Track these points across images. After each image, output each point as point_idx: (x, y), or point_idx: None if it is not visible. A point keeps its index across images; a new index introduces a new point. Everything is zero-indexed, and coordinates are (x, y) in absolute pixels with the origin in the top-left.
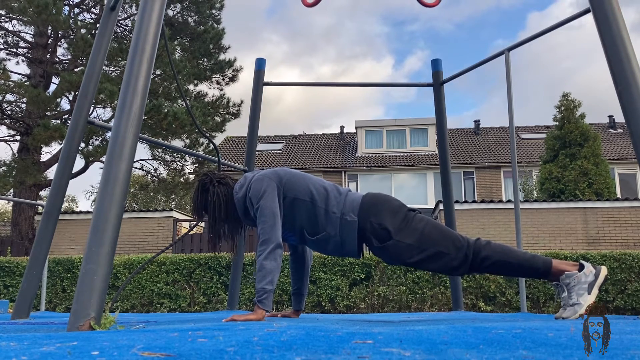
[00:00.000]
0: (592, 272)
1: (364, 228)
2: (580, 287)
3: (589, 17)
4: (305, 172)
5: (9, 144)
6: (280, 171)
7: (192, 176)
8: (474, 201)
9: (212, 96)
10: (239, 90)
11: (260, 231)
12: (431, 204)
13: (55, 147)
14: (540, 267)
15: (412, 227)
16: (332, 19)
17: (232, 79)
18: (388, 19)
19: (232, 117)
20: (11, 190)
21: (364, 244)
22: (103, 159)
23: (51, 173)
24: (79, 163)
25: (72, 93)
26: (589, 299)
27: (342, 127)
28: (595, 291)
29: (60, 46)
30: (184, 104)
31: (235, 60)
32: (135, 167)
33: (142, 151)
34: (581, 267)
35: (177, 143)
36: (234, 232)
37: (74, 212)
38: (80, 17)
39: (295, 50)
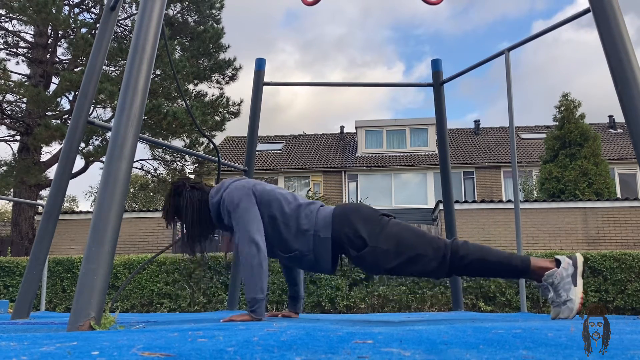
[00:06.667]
0: (569, 264)
1: (341, 240)
2: (564, 282)
3: (590, 34)
4: (276, 187)
5: (9, 144)
6: (256, 183)
7: (192, 176)
8: (474, 201)
9: (212, 95)
10: (240, 90)
11: (242, 236)
12: (431, 204)
13: (55, 147)
14: (519, 264)
15: (386, 232)
16: (344, 29)
17: (232, 78)
18: (398, 29)
19: (232, 116)
20: (11, 190)
21: (342, 256)
22: (103, 159)
23: (51, 173)
24: (79, 163)
25: (72, 93)
26: (577, 291)
27: (342, 127)
28: (580, 281)
29: (60, 46)
30: (184, 104)
31: (235, 59)
32: (135, 167)
33: (142, 151)
34: (558, 263)
35: (177, 143)
36: (207, 236)
37: (74, 212)
38: (80, 17)
39: (307, 59)
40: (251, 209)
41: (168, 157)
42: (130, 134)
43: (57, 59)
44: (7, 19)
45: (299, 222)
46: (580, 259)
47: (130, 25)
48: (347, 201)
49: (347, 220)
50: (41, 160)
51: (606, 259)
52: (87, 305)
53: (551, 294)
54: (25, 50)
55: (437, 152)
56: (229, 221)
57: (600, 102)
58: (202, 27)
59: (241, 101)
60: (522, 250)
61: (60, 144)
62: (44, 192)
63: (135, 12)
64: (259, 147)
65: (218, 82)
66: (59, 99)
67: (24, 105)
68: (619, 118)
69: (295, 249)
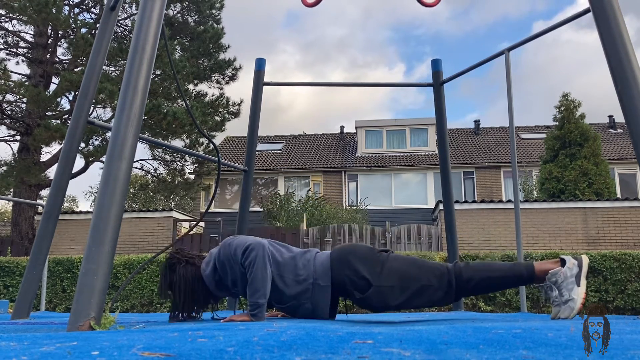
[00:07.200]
0: (574, 264)
1: (343, 283)
2: (568, 282)
3: (589, 35)
4: (266, 239)
5: (9, 144)
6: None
7: (192, 176)
8: (474, 201)
9: (212, 95)
10: (240, 90)
11: (251, 245)
12: (431, 204)
13: (55, 147)
14: (524, 272)
15: (387, 268)
16: (345, 29)
17: (232, 78)
18: (399, 30)
19: (232, 116)
20: (11, 190)
21: (343, 300)
22: (103, 159)
23: (51, 173)
24: (79, 163)
25: (72, 93)
26: (580, 292)
27: (342, 127)
28: (583, 282)
29: (60, 46)
30: (184, 104)
31: (235, 59)
32: (135, 167)
33: (142, 151)
34: (563, 263)
35: (177, 143)
36: (201, 308)
37: (74, 212)
38: (80, 17)
39: (308, 59)
40: (247, 237)
41: (168, 157)
42: (130, 134)
43: (57, 59)
44: (7, 19)
45: (296, 272)
46: (585, 261)
47: (130, 25)
48: (346, 201)
49: (347, 262)
50: (41, 160)
51: (606, 259)
52: (87, 305)
53: (555, 293)
54: (25, 50)
55: (437, 152)
56: (232, 274)
57: (600, 102)
58: (202, 27)
59: (241, 101)
60: (522, 250)
61: (60, 144)
62: (44, 192)
63: (135, 12)
64: (259, 147)
65: (218, 82)
66: (59, 99)
67: (24, 105)
68: (619, 118)
69: (292, 299)
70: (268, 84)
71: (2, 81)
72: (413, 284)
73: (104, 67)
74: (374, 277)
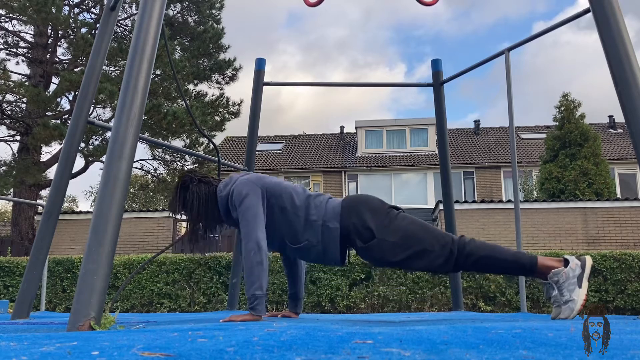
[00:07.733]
0: (578, 265)
1: (348, 230)
2: (569, 283)
3: (589, 37)
4: (286, 181)
5: (9, 144)
6: (264, 177)
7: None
8: (474, 201)
9: (212, 95)
10: (240, 90)
11: (244, 234)
12: (431, 204)
13: (55, 147)
14: (526, 262)
15: (395, 225)
16: (345, 30)
17: (232, 78)
18: (400, 30)
19: (232, 116)
20: (11, 190)
21: (349, 248)
22: (103, 159)
23: (51, 173)
24: (79, 163)
25: (72, 93)
26: (581, 293)
27: (342, 127)
28: (585, 283)
29: (60, 46)
30: (184, 104)
31: (235, 59)
32: (135, 167)
33: (142, 151)
34: (566, 263)
35: (177, 143)
36: (212, 231)
37: (74, 212)
38: (80, 17)
39: (309, 60)
40: (256, 205)
41: (168, 157)
42: (130, 134)
43: (57, 59)
44: (7, 19)
45: (308, 212)
46: (589, 262)
47: (130, 25)
48: None
49: (356, 210)
50: (41, 160)
51: (606, 259)
52: (87, 305)
53: (555, 292)
54: (25, 50)
55: (437, 152)
56: (237, 215)
57: (600, 102)
58: (202, 27)
59: (241, 101)
60: (522, 250)
61: (60, 144)
62: (44, 192)
63: (135, 12)
64: (259, 147)
65: (218, 82)
66: (59, 99)
67: (24, 105)
68: (619, 118)
69: (304, 239)
70: (268, 84)
71: (2, 81)
72: (416, 245)
73: (104, 67)
74: (379, 230)
